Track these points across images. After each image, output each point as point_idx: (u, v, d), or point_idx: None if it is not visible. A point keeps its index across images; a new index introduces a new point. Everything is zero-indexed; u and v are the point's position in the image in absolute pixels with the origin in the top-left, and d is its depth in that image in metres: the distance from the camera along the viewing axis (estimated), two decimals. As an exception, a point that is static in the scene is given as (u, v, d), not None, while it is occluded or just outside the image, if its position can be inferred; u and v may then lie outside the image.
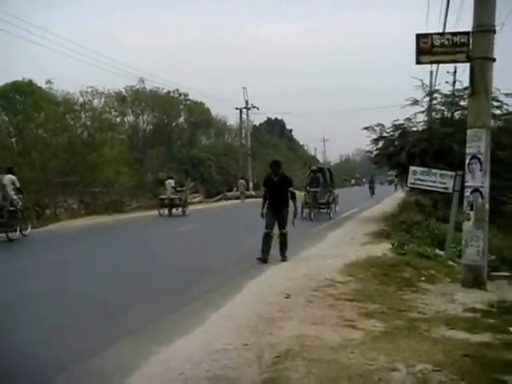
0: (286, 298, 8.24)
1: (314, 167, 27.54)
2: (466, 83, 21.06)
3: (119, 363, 5.43)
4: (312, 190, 24.74)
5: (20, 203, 17.36)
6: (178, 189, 28.36)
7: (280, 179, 12.30)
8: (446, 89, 24.23)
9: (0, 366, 5.61)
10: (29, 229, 18.07)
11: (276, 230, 12.20)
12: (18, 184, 17.30)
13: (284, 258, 12.12)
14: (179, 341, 6.16)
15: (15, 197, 17.04)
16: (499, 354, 5.77)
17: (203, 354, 5.63)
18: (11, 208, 16.75)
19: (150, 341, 6.16)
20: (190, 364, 5.32)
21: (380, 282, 9.45)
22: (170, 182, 27.94)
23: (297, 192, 13.13)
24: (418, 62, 9.78)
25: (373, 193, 51.62)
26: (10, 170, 17.81)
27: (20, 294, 9.14)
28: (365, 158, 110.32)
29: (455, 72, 24.73)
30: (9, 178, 17.10)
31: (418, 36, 9.64)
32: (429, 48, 9.53)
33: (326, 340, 6.02)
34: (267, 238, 12.02)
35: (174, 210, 27.47)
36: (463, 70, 22.63)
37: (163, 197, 27.52)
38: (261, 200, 13.01)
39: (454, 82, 24.87)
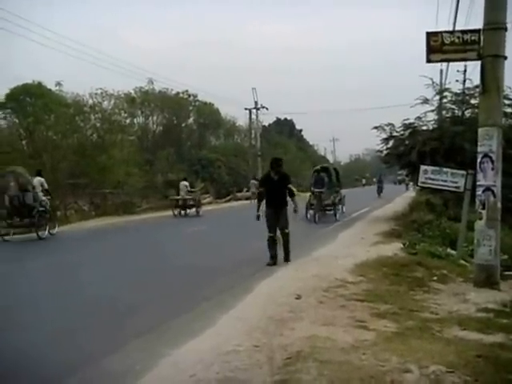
0: (297, 298, 8.19)
1: (317, 167, 26.32)
2: (477, 81, 21.21)
3: (130, 365, 5.41)
4: (316, 190, 23.66)
5: (48, 204, 18.30)
6: (192, 190, 28.95)
7: (280, 178, 11.78)
8: (456, 87, 24.18)
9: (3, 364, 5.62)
10: (56, 228, 19.00)
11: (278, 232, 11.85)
12: (46, 186, 18.31)
13: (287, 259, 11.84)
14: (190, 342, 6.14)
15: (44, 198, 18.01)
16: (513, 355, 5.71)
17: (214, 355, 5.61)
18: (41, 208, 17.60)
19: (161, 342, 6.15)
20: (200, 366, 5.30)
21: (391, 282, 9.39)
22: (184, 183, 28.52)
23: (295, 190, 12.69)
24: (429, 61, 9.72)
25: (381, 192, 50.03)
26: (39, 172, 18.88)
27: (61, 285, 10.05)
28: (375, 157, 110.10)
29: (465, 70, 24.71)
30: (38, 180, 18.02)
31: (429, 34, 9.56)
32: (439, 46, 9.46)
33: (337, 341, 5.98)
34: (272, 242, 11.71)
35: (188, 211, 28.15)
36: (473, 68, 22.57)
37: (177, 197, 28.10)
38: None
39: (465, 81, 24.82)
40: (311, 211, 22.76)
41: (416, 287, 9.10)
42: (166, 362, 5.47)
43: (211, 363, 5.35)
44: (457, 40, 9.39)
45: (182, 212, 27.93)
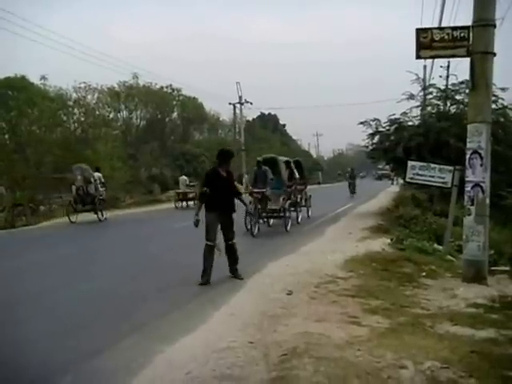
0: (288, 294, 8.20)
1: (260, 158, 18.65)
2: (461, 77, 21.42)
3: (125, 362, 5.38)
4: (256, 191, 17.03)
5: (104, 194, 22.50)
6: (191, 184, 31.09)
7: (228, 175, 9.88)
8: (441, 83, 24.33)
9: None
10: (108, 213, 23.22)
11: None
12: (103, 179, 22.65)
13: (237, 275, 9.71)
14: (184, 339, 6.12)
15: (101, 189, 22.24)
16: (506, 350, 5.76)
17: (209, 352, 5.59)
18: (100, 197, 21.92)
19: (154, 339, 6.11)
20: (196, 363, 5.28)
21: (381, 277, 9.42)
22: (184, 178, 31.34)
23: (241, 188, 12.36)
24: (418, 57, 9.74)
25: (353, 190, 39.77)
26: (98, 168, 23.40)
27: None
28: (358, 152, 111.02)
29: (448, 66, 24.82)
30: (97, 174, 22.44)
31: (418, 31, 9.57)
32: (429, 43, 9.47)
33: (331, 337, 5.99)
34: (210, 253, 9.42)
35: (189, 203, 30.05)
36: (456, 64, 22.74)
37: (179, 191, 30.50)
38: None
39: (448, 77, 24.96)
40: (248, 218, 16.32)
41: (406, 283, 9.14)
42: (160, 360, 5.45)
43: (206, 360, 5.34)
44: (446, 36, 9.42)
45: (184, 204, 30.02)
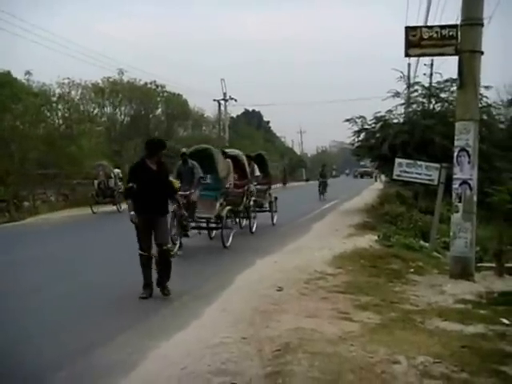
0: (279, 290, 8.23)
1: (184, 149, 13.61)
2: (445, 76, 21.61)
3: (121, 357, 5.39)
4: (180, 193, 11.43)
5: (122, 188, 22.41)
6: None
7: (160, 168, 8.21)
8: (426, 81, 24.53)
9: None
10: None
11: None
12: (121, 175, 24.14)
13: (165, 291, 8.11)
14: (177, 335, 6.13)
15: (120, 183, 23.51)
16: (495, 345, 5.87)
17: (202, 347, 5.61)
18: (119, 190, 23.01)
19: (148, 335, 6.12)
20: (191, 358, 5.29)
21: (370, 273, 9.51)
22: (117, 171, 32.40)
23: (176, 183, 11.02)
24: (407, 55, 9.85)
25: (324, 190, 32.96)
26: (118, 166, 26.33)
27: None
28: (341, 149, 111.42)
29: (432, 64, 25.07)
30: (116, 171, 24.72)
31: (407, 29, 9.67)
32: (417, 41, 9.57)
33: (324, 333, 6.03)
34: (147, 264, 8.12)
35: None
36: (441, 63, 22.94)
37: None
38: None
39: (431, 75, 25.19)
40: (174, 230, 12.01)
41: (394, 279, 9.24)
42: (155, 355, 5.46)
43: (202, 355, 5.35)
44: (435, 35, 9.52)
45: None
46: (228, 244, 12.97)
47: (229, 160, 14.43)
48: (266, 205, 18.20)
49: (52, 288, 8.72)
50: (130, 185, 8.11)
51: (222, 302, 7.63)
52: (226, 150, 16.02)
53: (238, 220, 15.87)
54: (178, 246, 11.84)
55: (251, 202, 15.82)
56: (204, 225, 13.58)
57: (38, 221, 20.51)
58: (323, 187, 32.92)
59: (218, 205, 13.26)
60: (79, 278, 9.47)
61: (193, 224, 13.04)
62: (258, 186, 16.93)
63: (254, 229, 15.93)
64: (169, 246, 8.35)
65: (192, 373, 4.95)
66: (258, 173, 16.66)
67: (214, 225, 13.57)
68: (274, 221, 18.02)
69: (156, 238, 8.09)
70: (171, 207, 9.90)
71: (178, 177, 12.46)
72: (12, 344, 5.97)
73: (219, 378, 4.78)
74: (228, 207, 13.45)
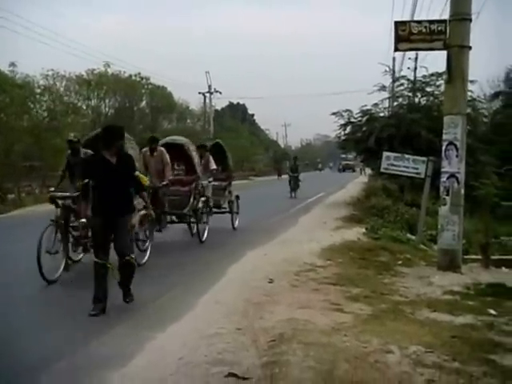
0: (270, 282, 8.30)
1: (72, 135, 10.35)
2: (431, 70, 21.80)
3: (117, 349, 5.43)
4: (59, 195, 9.44)
5: None
6: None
7: (120, 162, 7.07)
8: (410, 75, 24.75)
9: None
10: None
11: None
12: None
13: (127, 298, 7.19)
14: (172, 326, 6.19)
15: None
16: (484, 335, 5.98)
17: (198, 338, 5.67)
18: None
19: (143, 326, 6.16)
20: (187, 349, 5.35)
21: (359, 265, 9.63)
22: None
23: (145, 179, 9.62)
24: (396, 49, 9.97)
25: (296, 186, 28.91)
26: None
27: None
28: (325, 142, 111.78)
29: (416, 58, 25.30)
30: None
31: (397, 23, 9.78)
32: (407, 36, 9.68)
33: (317, 324, 6.12)
34: (102, 273, 6.90)
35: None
36: (425, 55, 23.13)
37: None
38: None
39: (415, 69, 25.42)
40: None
41: (383, 271, 9.36)
42: (152, 346, 5.51)
43: (197, 346, 5.41)
44: (424, 30, 9.62)
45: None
46: (144, 261, 9.74)
47: (162, 149, 11.92)
48: (226, 205, 15.21)
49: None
50: (86, 181, 7.08)
51: (213, 294, 7.70)
52: (172, 138, 13.64)
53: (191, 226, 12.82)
54: (59, 272, 8.58)
55: (200, 204, 12.65)
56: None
57: (26, 213, 20.40)
58: (294, 183, 28.82)
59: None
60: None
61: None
62: (216, 183, 14.23)
63: (204, 237, 12.68)
64: (127, 257, 6.99)
65: (189, 363, 5.00)
66: (214, 166, 13.90)
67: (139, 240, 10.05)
68: (236, 224, 15.14)
69: (115, 246, 7.05)
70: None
71: (65, 171, 9.89)
72: None
73: (217, 368, 4.84)
74: (142, 212, 9.26)
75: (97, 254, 6.93)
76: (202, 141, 16.61)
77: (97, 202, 7.01)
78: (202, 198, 12.84)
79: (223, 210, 15.09)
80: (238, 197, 15.53)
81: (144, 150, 11.88)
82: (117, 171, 6.98)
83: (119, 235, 7.01)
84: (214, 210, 14.20)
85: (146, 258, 9.92)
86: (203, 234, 12.70)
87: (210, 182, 13.51)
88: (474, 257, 11.26)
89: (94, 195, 7.02)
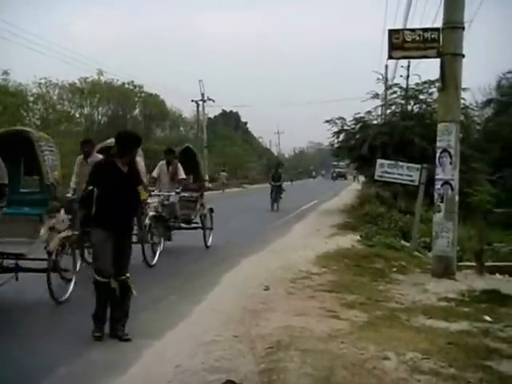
0: (266, 289, 8.31)
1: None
2: (424, 78, 21.92)
3: (115, 356, 5.43)
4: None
5: None
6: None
7: (131, 171, 6.36)
8: (403, 83, 24.85)
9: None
10: None
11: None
12: None
13: (122, 333, 6.02)
14: (169, 333, 6.18)
15: None
16: (480, 341, 6.00)
17: (195, 345, 5.67)
18: None
19: (139, 333, 6.14)
20: (184, 356, 5.35)
21: (354, 273, 9.65)
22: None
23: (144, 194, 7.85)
24: (390, 57, 10.05)
25: (278, 197, 24.99)
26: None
27: None
28: (318, 150, 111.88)
29: (409, 66, 25.43)
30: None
31: (390, 32, 9.84)
32: (400, 43, 9.74)
33: (313, 331, 6.13)
34: (105, 293, 6.10)
35: None
36: (417, 63, 23.25)
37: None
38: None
39: (408, 76, 25.54)
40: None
41: (378, 278, 9.38)
42: (149, 353, 5.51)
43: (195, 353, 5.42)
44: (417, 38, 9.70)
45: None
46: (65, 298, 7.57)
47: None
48: (198, 219, 13.09)
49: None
50: (90, 188, 6.23)
51: (209, 301, 7.69)
52: (108, 141, 10.58)
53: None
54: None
55: (147, 221, 10.29)
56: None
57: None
58: (276, 192, 24.99)
59: (42, 230, 7.61)
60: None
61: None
62: (186, 194, 12.69)
63: (154, 261, 10.53)
64: (124, 277, 6.19)
65: (187, 370, 5.00)
66: (183, 175, 12.07)
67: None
68: (209, 242, 13.01)
69: (118, 261, 6.17)
70: None
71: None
72: None
73: (214, 375, 4.84)
74: (64, 234, 7.70)
75: (99, 272, 6.08)
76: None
77: (101, 212, 6.15)
78: (151, 213, 10.78)
79: (194, 225, 13.08)
80: (211, 210, 13.39)
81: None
82: (128, 181, 6.26)
83: (123, 252, 6.23)
84: (184, 225, 12.61)
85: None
86: (152, 258, 10.52)
87: (177, 193, 11.88)
88: (468, 263, 11.31)
89: (97, 205, 6.18)
